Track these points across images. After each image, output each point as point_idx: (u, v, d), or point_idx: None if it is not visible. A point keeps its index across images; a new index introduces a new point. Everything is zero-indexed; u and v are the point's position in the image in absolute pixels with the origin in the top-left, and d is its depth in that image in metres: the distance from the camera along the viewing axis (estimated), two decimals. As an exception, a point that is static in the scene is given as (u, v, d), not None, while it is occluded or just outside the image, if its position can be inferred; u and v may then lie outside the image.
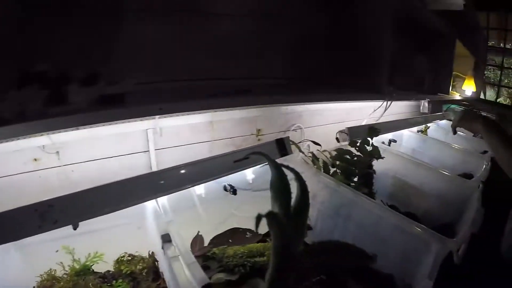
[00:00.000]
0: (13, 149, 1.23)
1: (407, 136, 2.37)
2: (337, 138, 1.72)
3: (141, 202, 1.05)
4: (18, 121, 1.04)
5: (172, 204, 1.11)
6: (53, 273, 1.12)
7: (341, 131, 1.72)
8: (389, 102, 2.09)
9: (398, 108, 2.41)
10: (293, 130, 1.75)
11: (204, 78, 1.46)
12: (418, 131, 2.59)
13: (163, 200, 1.10)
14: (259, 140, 1.68)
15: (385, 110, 2.10)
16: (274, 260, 0.73)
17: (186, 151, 1.50)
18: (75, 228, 1.05)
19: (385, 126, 2.00)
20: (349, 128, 1.70)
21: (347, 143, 1.64)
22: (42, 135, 1.23)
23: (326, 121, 1.93)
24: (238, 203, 1.39)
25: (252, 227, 1.36)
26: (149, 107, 1.12)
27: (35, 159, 1.28)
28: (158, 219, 1.05)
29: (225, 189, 1.29)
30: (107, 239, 1.16)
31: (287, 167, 0.85)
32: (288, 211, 0.78)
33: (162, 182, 1.09)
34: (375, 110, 2.11)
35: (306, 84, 1.74)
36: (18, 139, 1.21)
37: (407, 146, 2.37)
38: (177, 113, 1.40)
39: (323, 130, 1.63)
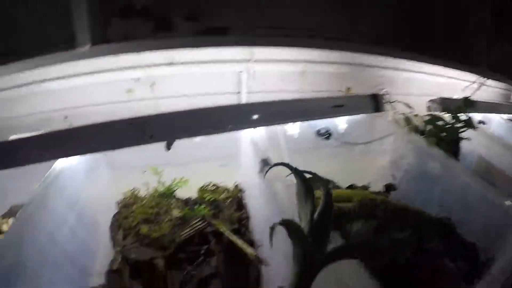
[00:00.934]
0: (107, 80, 1.22)
1: (497, 122, 2.11)
2: (428, 107, 1.58)
3: (237, 129, 0.98)
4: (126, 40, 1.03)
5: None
6: (136, 192, 1.11)
7: (432, 100, 1.58)
8: (484, 79, 1.89)
9: (486, 94, 2.16)
10: (382, 94, 1.61)
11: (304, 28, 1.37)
12: (508, 119, 2.30)
13: (260, 132, 1.03)
14: (347, 98, 1.54)
15: (479, 87, 1.89)
16: (295, 268, 0.65)
17: (276, 97, 1.40)
18: (168, 148, 1.01)
19: (477, 104, 1.79)
20: (442, 98, 1.56)
21: (437, 113, 1.49)
22: (137, 67, 1.22)
23: (416, 92, 1.76)
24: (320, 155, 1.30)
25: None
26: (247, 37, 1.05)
27: (128, 91, 1.27)
28: (255, 147, 0.98)
29: (318, 133, 1.20)
30: (194, 171, 1.13)
31: (313, 174, 0.76)
32: (312, 219, 0.68)
33: (257, 114, 1.02)
34: (466, 87, 1.90)
35: (403, 43, 1.60)
36: (111, 71, 1.20)
37: (495, 133, 2.13)
38: (270, 59, 1.32)
39: (412, 100, 1.48)
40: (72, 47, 0.98)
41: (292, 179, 0.75)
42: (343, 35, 1.26)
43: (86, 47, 1.00)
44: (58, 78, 1.18)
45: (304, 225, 0.68)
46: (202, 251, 0.98)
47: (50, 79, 1.18)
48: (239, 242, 0.97)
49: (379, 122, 1.32)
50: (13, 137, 1.02)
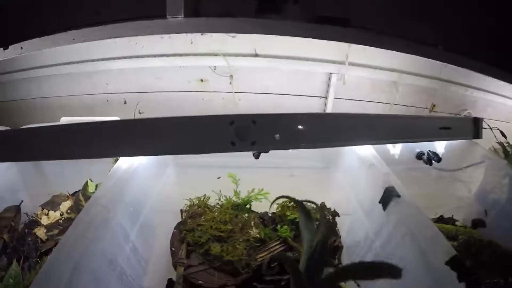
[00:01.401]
0: (179, 64, 1.07)
1: None
2: None
3: (346, 145, 0.81)
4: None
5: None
6: (206, 200, 0.94)
7: None
8: None
9: None
10: (464, 115, 1.44)
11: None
12: None
13: (370, 150, 0.85)
14: (431, 116, 1.38)
15: None
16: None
17: (364, 107, 1.25)
18: (257, 157, 0.84)
19: None
20: None
21: None
22: (216, 55, 1.05)
23: (495, 116, 1.59)
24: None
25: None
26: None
27: (202, 80, 1.10)
28: (370, 168, 0.81)
29: (419, 157, 1.02)
30: (273, 180, 0.95)
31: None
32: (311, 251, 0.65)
33: (365, 128, 0.84)
34: None
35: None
36: (187, 56, 1.04)
37: None
38: (364, 64, 1.15)
39: (491, 124, 1.32)
40: (162, 16, 0.82)
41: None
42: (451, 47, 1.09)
43: (179, 18, 0.83)
44: (124, 57, 1.06)
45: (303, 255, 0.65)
46: (283, 282, 0.81)
47: (118, 58, 1.04)
48: None
49: (475, 149, 1.15)
50: (63, 119, 0.92)
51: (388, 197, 0.71)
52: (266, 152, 0.80)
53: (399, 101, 1.27)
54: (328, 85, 1.16)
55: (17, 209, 0.95)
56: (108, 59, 1.07)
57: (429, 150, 1.04)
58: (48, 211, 0.97)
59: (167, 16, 0.84)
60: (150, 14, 0.85)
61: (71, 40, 0.90)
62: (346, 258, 0.87)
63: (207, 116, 0.71)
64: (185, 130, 0.72)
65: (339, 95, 1.18)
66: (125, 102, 1.13)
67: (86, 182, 0.97)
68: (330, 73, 1.13)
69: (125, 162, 0.80)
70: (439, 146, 1.09)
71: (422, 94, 1.32)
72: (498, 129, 1.25)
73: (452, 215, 1.15)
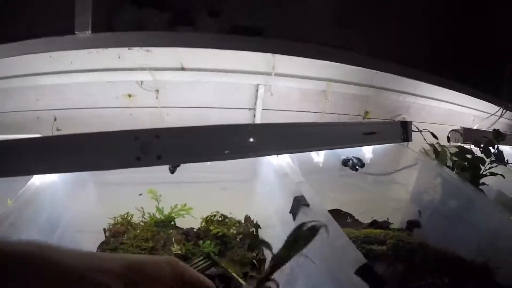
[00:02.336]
0: (107, 80, 1.03)
1: (508, 153, 2.02)
2: (448, 137, 1.46)
3: (262, 155, 0.78)
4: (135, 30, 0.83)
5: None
6: (129, 218, 0.90)
7: (454, 130, 1.46)
8: (503, 111, 1.77)
9: (497, 125, 2.07)
10: (398, 120, 1.46)
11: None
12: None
13: (286, 159, 0.82)
14: (364, 123, 1.38)
15: (498, 118, 1.77)
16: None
17: (294, 117, 1.23)
18: (172, 171, 0.80)
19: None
20: (465, 129, 1.44)
21: (458, 143, 1.39)
22: (143, 69, 1.01)
23: (430, 119, 1.62)
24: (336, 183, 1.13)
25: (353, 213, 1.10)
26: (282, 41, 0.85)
27: (129, 95, 1.06)
28: (283, 178, 0.77)
29: (344, 163, 1.00)
30: (197, 195, 0.93)
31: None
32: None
33: (281, 137, 0.82)
34: (487, 117, 1.79)
35: (429, 66, 1.46)
36: (114, 70, 1.00)
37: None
38: (291, 75, 1.14)
39: (427, 128, 1.34)
40: (70, 32, 0.77)
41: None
42: (375, 53, 1.09)
43: (86, 33, 0.79)
44: (51, 73, 1.01)
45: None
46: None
47: (44, 73, 0.99)
48: None
49: (406, 152, 1.15)
50: None
51: (296, 207, 0.68)
52: (177, 166, 0.76)
53: (330, 110, 1.27)
54: (256, 97, 1.14)
55: None
56: (39, 74, 1.01)
57: (353, 156, 1.02)
58: None
59: (75, 32, 0.79)
60: (59, 30, 0.81)
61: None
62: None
63: (112, 132, 0.69)
64: (92, 147, 0.69)
65: (267, 106, 1.17)
66: (55, 119, 1.07)
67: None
68: (257, 85, 1.12)
69: (37, 180, 0.74)
70: (367, 151, 1.08)
71: (354, 101, 1.34)
72: (428, 131, 1.28)
73: (388, 218, 1.16)
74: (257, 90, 1.14)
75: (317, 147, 0.89)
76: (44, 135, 0.73)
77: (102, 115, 1.06)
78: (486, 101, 1.74)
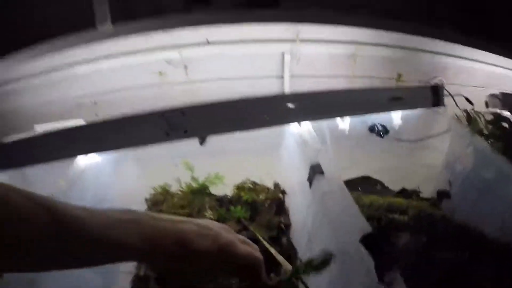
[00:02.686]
0: (136, 62, 1.09)
1: None
2: (486, 102, 1.36)
3: (282, 124, 0.80)
4: (153, 15, 0.87)
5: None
6: (167, 188, 0.98)
7: (492, 95, 1.36)
8: None
9: None
10: (434, 83, 1.39)
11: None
12: None
13: (307, 126, 0.85)
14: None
15: None
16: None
17: (323, 83, 1.23)
18: (201, 143, 0.85)
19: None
20: (504, 94, 1.35)
21: (496, 109, 1.28)
22: (169, 48, 1.05)
23: (470, 82, 1.53)
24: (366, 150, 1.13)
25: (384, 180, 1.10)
26: (301, 12, 0.85)
27: (160, 73, 1.11)
28: (302, 146, 0.80)
29: (371, 129, 1.01)
30: (229, 164, 0.98)
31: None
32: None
33: (302, 106, 0.84)
34: None
35: (465, 28, 1.37)
36: (140, 53, 1.05)
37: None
38: (317, 39, 1.13)
39: (466, 92, 1.26)
40: (92, 26, 0.83)
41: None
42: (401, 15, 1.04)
43: (107, 26, 0.84)
44: (84, 61, 1.07)
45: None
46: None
47: (76, 63, 1.06)
48: (277, 255, 0.81)
49: (438, 117, 1.11)
50: (37, 127, 0.94)
51: (312, 174, 0.71)
52: (205, 138, 0.81)
53: (360, 74, 1.24)
54: (283, 65, 1.15)
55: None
56: (73, 64, 1.08)
57: (378, 123, 1.02)
58: None
59: (97, 26, 0.85)
60: (78, 26, 0.87)
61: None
62: (295, 235, 0.88)
63: (141, 112, 0.74)
64: (126, 128, 0.76)
65: (295, 73, 1.18)
66: (95, 103, 1.15)
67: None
68: (283, 52, 1.13)
69: (82, 161, 0.82)
70: (396, 117, 1.06)
71: (385, 64, 1.30)
72: (463, 96, 1.21)
73: (418, 187, 1.13)
74: (283, 58, 1.14)
75: (343, 114, 0.90)
76: (86, 122, 0.81)
77: (137, 95, 1.13)
78: None
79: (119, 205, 0.88)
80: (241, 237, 0.51)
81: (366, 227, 0.58)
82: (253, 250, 0.51)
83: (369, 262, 0.53)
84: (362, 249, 0.55)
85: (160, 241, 0.44)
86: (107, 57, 1.05)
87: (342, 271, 0.56)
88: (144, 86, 1.12)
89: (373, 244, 0.56)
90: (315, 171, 0.72)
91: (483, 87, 1.58)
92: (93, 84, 1.12)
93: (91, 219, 0.39)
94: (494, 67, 1.59)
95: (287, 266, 0.77)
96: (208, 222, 0.50)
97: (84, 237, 0.38)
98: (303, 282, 0.57)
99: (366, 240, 0.57)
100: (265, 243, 0.82)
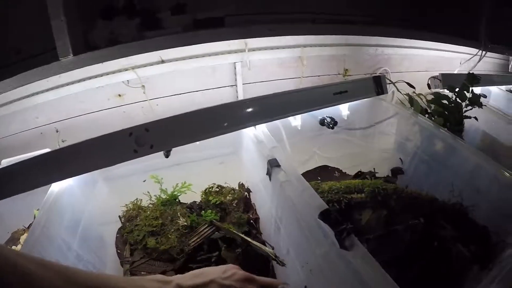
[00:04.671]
0: (96, 86, 1.17)
1: (496, 93, 2.08)
2: (428, 84, 1.55)
3: (239, 129, 0.93)
4: (111, 45, 0.97)
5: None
6: (139, 203, 1.06)
7: (433, 77, 1.55)
8: (483, 53, 1.84)
9: (483, 64, 2.13)
10: (379, 73, 1.56)
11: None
12: (507, 90, 2.27)
13: (262, 128, 0.97)
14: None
15: (479, 61, 1.84)
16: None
17: (275, 86, 1.37)
18: (167, 156, 0.96)
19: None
20: (443, 75, 1.52)
21: (438, 89, 1.47)
22: (126, 70, 1.15)
23: (414, 67, 1.72)
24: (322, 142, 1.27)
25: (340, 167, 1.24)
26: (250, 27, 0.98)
27: (119, 95, 1.21)
28: (259, 145, 0.93)
29: (321, 123, 1.15)
30: (194, 172, 1.09)
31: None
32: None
33: (256, 110, 0.96)
34: (467, 61, 1.86)
35: (398, 21, 1.55)
36: (101, 76, 1.14)
37: (495, 105, 2.10)
38: (265, 47, 1.26)
39: (411, 77, 1.43)
40: (54, 59, 0.92)
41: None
42: (340, 18, 1.20)
43: (69, 58, 0.93)
44: (44, 90, 1.14)
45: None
46: (213, 259, 0.94)
47: (36, 93, 1.13)
48: (256, 243, 0.93)
49: (382, 104, 1.27)
50: (4, 161, 1.01)
51: (270, 168, 0.83)
52: (170, 150, 0.92)
53: (309, 74, 1.38)
54: (235, 74, 1.28)
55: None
56: (33, 94, 1.15)
57: (326, 116, 1.16)
58: (11, 246, 1.05)
59: (60, 58, 0.94)
60: (39, 59, 0.95)
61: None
62: (263, 227, 1.00)
63: (109, 133, 0.84)
64: (95, 149, 0.85)
65: (247, 81, 1.31)
66: (57, 131, 1.22)
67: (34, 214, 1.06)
68: (234, 62, 1.25)
69: (56, 186, 0.90)
70: (344, 109, 1.21)
71: (332, 62, 1.45)
72: (403, 81, 1.38)
73: (374, 169, 1.28)
74: (235, 68, 1.26)
75: (294, 112, 1.03)
76: (52, 149, 0.87)
77: (99, 118, 1.21)
78: (462, 45, 1.80)
79: (95, 224, 0.97)
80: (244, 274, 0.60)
81: (323, 205, 0.71)
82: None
83: (331, 234, 0.65)
84: (322, 224, 0.67)
85: None
86: (67, 84, 1.12)
87: (307, 246, 0.68)
88: (105, 109, 1.20)
89: (331, 218, 0.68)
90: (272, 165, 0.84)
91: (426, 71, 1.79)
92: (54, 111, 1.19)
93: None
94: (434, 51, 1.79)
95: (265, 249, 0.90)
96: (226, 275, 0.58)
97: None
98: None
99: (324, 215, 0.69)
100: (241, 236, 0.94)
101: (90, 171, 0.87)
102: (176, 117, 0.87)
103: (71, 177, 0.89)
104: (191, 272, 0.60)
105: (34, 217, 1.07)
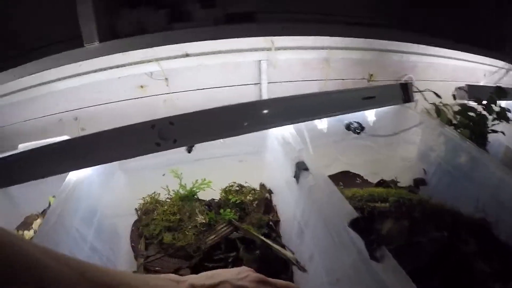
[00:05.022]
0: (118, 76, 1.17)
1: None
2: (453, 95, 1.52)
3: (262, 129, 0.91)
4: (137, 34, 0.97)
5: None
6: (156, 196, 1.06)
7: (459, 88, 1.52)
8: (510, 66, 1.82)
9: (508, 79, 2.10)
10: (404, 80, 1.55)
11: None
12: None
13: (289, 129, 0.96)
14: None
15: (506, 73, 1.82)
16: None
17: (299, 87, 1.36)
18: (189, 151, 0.95)
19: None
20: (469, 86, 1.50)
21: (463, 101, 1.44)
22: (150, 61, 1.15)
23: (439, 77, 1.71)
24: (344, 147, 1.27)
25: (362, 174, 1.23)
26: (272, 25, 0.98)
27: (142, 86, 1.20)
28: (285, 146, 0.92)
29: (347, 127, 1.14)
30: (214, 169, 1.08)
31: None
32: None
33: (283, 110, 0.95)
34: (493, 73, 1.84)
35: (425, 29, 1.54)
36: (122, 67, 1.14)
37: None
38: (291, 47, 1.25)
39: (435, 85, 1.42)
40: (79, 45, 0.92)
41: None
42: (368, 20, 1.19)
43: (94, 44, 0.93)
44: (66, 77, 1.14)
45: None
46: (230, 259, 0.93)
47: (58, 79, 1.14)
48: (277, 246, 0.92)
49: (408, 112, 1.25)
50: (21, 146, 1.02)
51: (298, 171, 0.82)
52: (193, 146, 0.91)
53: (334, 76, 1.38)
54: (260, 72, 1.27)
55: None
56: (54, 80, 1.15)
57: (353, 121, 1.15)
58: (23, 231, 1.08)
59: (85, 45, 0.94)
60: (65, 45, 0.95)
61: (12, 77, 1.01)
62: (284, 230, 0.99)
63: (132, 125, 0.83)
64: (116, 140, 0.84)
65: (272, 80, 1.30)
66: (76, 119, 1.23)
67: (49, 200, 1.09)
68: (260, 60, 1.24)
69: (74, 175, 0.89)
70: (370, 115, 1.20)
71: (357, 66, 1.44)
72: (431, 90, 1.37)
73: (395, 177, 1.26)
74: (260, 65, 1.26)
75: (320, 116, 1.02)
76: (74, 137, 0.87)
77: (119, 108, 1.21)
78: (489, 57, 1.78)
79: (110, 216, 0.96)
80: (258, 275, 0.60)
81: (353, 213, 0.69)
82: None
83: (359, 242, 0.63)
84: (352, 232, 0.66)
85: None
86: (89, 72, 1.12)
87: (335, 253, 0.67)
88: (125, 99, 1.20)
89: (361, 227, 0.66)
90: (300, 167, 0.82)
91: (450, 81, 1.77)
92: (75, 99, 1.19)
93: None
94: (460, 61, 1.77)
95: (285, 252, 0.89)
96: (238, 276, 0.58)
97: None
98: None
99: (354, 224, 0.67)
100: (261, 238, 0.93)
101: (110, 162, 0.87)
102: (203, 112, 0.86)
103: (91, 166, 0.89)
104: (204, 273, 0.60)
105: (49, 204, 1.10)
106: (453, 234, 0.93)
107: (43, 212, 1.13)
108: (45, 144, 0.86)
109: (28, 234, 1.06)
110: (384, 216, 0.93)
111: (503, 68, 1.88)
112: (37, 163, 0.86)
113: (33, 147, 0.88)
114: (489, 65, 1.90)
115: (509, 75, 1.94)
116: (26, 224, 1.10)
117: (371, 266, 0.61)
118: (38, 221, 1.10)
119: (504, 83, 1.90)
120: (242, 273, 0.61)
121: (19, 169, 0.86)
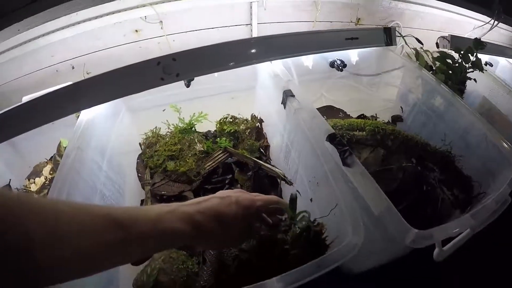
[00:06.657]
0: (113, 22, 1.25)
1: (503, 65, 2.19)
2: (437, 43, 1.65)
3: (257, 62, 1.07)
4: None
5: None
6: (158, 131, 1.22)
7: (442, 37, 1.65)
8: (495, 22, 1.95)
9: (499, 36, 2.23)
10: (391, 26, 1.69)
11: None
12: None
13: (278, 64, 1.13)
14: (357, 29, 1.63)
15: (489, 29, 1.96)
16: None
17: (288, 28, 1.49)
18: (188, 85, 1.09)
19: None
20: (452, 36, 1.62)
21: (446, 50, 1.56)
22: (144, 6, 1.25)
23: (425, 26, 1.84)
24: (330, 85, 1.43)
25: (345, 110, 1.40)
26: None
27: (136, 30, 1.32)
28: (275, 79, 1.09)
29: (331, 65, 1.30)
30: (209, 105, 1.24)
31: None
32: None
33: (272, 46, 1.10)
34: (479, 27, 1.98)
35: None
36: (119, 12, 1.23)
37: (500, 75, 2.22)
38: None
39: (421, 34, 1.55)
40: None
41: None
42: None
43: None
44: (59, 28, 1.21)
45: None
46: (227, 181, 1.11)
47: (51, 31, 1.20)
48: (268, 165, 1.10)
49: (390, 55, 1.40)
50: (25, 98, 1.10)
51: (285, 98, 0.99)
52: (192, 80, 1.06)
53: (322, 19, 1.53)
54: (251, 13, 1.39)
55: (8, 187, 1.16)
56: (48, 33, 1.21)
57: (337, 58, 1.31)
58: (34, 179, 1.20)
59: None
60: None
61: (17, 31, 1.11)
62: (273, 154, 1.20)
63: (138, 62, 0.96)
64: (125, 77, 0.97)
65: (262, 21, 1.43)
66: (73, 68, 1.33)
67: (60, 142, 1.21)
68: (251, 2, 1.37)
69: (85, 116, 1.01)
70: (353, 55, 1.36)
71: (345, 9, 1.58)
72: (413, 36, 1.51)
73: (376, 114, 1.44)
74: (251, 7, 1.38)
75: (306, 52, 1.17)
76: (84, 79, 0.96)
77: (115, 53, 1.32)
78: (475, 11, 1.89)
79: (118, 152, 1.12)
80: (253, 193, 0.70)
81: (330, 130, 0.87)
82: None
83: (335, 153, 0.82)
84: (329, 145, 0.84)
85: (201, 222, 0.56)
86: (83, 21, 1.21)
87: (315, 164, 0.84)
88: (122, 44, 1.31)
89: (336, 141, 0.85)
90: (287, 94, 1.00)
91: (436, 31, 1.91)
92: (70, 48, 1.28)
93: (144, 217, 0.49)
94: (447, 13, 1.89)
95: (275, 170, 1.08)
96: (224, 192, 0.67)
97: (146, 240, 0.48)
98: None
99: (330, 138, 0.86)
100: (254, 159, 1.12)
101: (120, 97, 0.98)
102: (200, 49, 1.00)
103: (101, 103, 0.98)
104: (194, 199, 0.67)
105: (59, 145, 1.21)
106: (421, 162, 1.10)
107: (51, 158, 1.24)
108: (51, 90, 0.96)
109: (39, 180, 1.19)
110: (360, 145, 1.09)
111: (489, 23, 2.00)
112: (47, 107, 0.94)
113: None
114: (477, 19, 2.00)
115: (499, 33, 2.06)
116: (36, 172, 1.22)
117: (343, 171, 0.79)
118: (48, 167, 1.22)
119: (491, 39, 2.03)
120: (230, 191, 0.70)
121: (31, 115, 0.94)
